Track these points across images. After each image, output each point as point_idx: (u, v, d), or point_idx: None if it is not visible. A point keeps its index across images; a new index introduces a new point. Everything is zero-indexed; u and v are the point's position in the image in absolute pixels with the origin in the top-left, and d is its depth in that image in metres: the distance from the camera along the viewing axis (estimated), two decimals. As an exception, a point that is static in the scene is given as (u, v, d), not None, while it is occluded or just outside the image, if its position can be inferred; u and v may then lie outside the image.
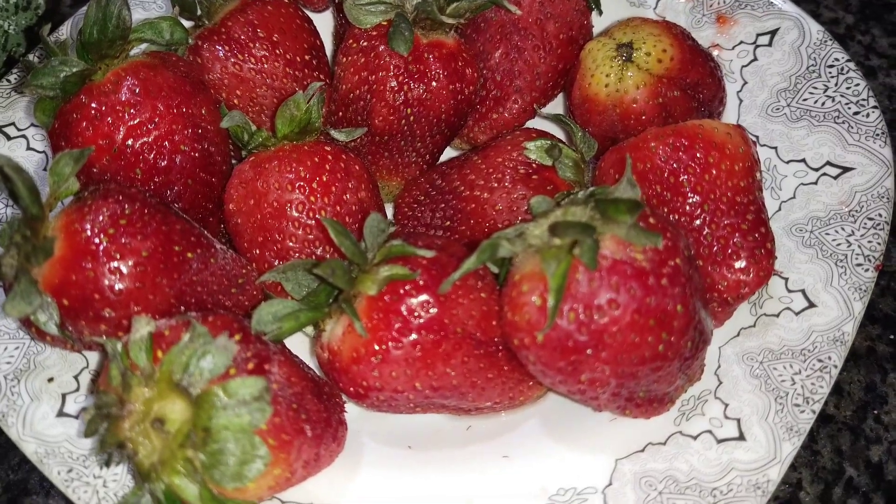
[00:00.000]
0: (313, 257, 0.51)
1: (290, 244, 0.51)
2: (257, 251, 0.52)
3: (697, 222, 0.48)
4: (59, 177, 0.42)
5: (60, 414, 0.47)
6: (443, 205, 0.56)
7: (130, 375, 0.39)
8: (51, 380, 0.48)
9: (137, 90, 0.48)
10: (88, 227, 0.41)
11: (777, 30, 0.62)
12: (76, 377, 0.48)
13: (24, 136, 0.57)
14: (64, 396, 0.47)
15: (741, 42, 0.63)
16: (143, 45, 0.53)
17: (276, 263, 0.51)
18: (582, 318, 0.40)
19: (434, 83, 0.54)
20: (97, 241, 0.41)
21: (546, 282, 0.41)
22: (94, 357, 0.50)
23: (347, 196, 0.52)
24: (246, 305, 0.51)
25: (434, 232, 0.56)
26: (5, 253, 0.42)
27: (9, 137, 0.57)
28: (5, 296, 0.43)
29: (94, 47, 0.48)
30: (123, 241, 0.42)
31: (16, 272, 0.41)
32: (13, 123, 0.57)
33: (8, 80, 0.58)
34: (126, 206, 0.43)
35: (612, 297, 0.40)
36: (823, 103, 0.59)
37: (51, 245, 0.40)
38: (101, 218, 0.41)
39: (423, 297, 0.44)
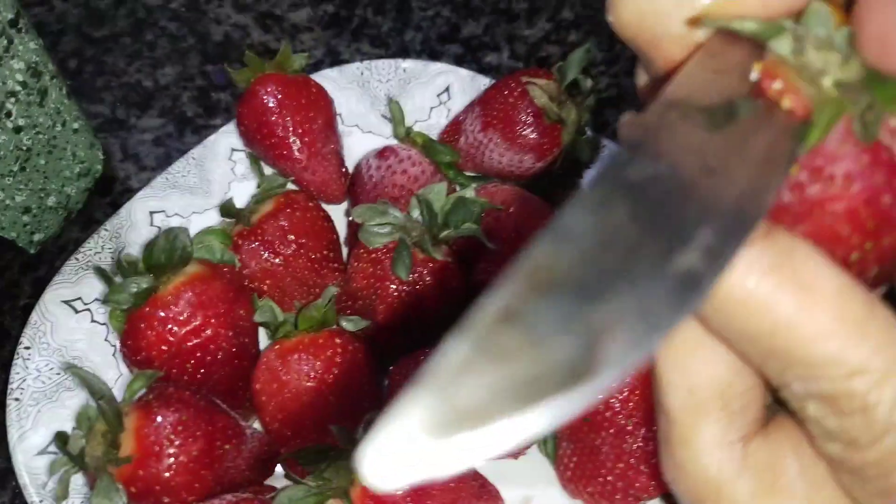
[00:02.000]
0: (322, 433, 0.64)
1: (306, 423, 0.64)
2: (277, 425, 0.65)
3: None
4: (132, 392, 0.55)
5: (116, 563, 0.60)
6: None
7: (181, 559, 0.52)
8: (109, 533, 0.60)
9: (194, 302, 0.61)
10: (154, 433, 0.54)
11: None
12: (129, 531, 0.61)
13: (88, 310, 0.69)
14: (119, 548, 0.60)
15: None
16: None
17: (291, 436, 0.64)
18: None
19: (426, 291, 0.67)
20: (160, 445, 0.54)
21: None
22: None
23: (352, 384, 0.65)
24: (266, 474, 0.63)
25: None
26: (88, 444, 0.54)
27: (76, 311, 0.69)
28: (86, 482, 0.55)
29: (159, 269, 0.61)
30: (179, 442, 0.55)
31: (97, 468, 0.53)
32: (80, 298, 0.70)
33: (76, 259, 0.71)
34: (183, 414, 0.55)
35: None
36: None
37: (129, 459, 0.52)
38: (164, 428, 0.54)
39: (404, 490, 0.57)
